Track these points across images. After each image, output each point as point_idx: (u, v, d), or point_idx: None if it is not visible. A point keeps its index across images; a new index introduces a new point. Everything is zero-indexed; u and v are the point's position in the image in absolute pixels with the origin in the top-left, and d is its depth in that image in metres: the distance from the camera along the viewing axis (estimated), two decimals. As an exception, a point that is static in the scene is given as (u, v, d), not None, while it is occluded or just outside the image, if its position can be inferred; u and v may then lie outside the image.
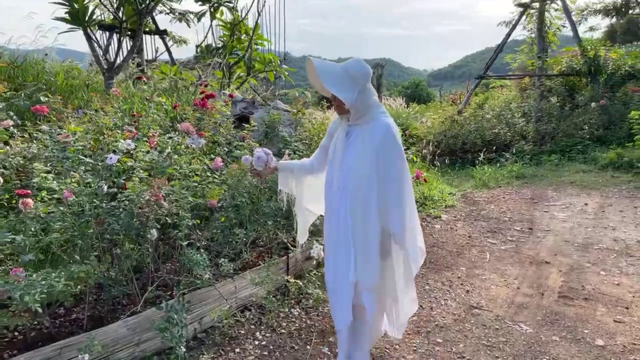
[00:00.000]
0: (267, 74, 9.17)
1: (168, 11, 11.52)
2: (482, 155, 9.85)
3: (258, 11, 8.51)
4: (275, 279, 3.51)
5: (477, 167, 9.53)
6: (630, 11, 20.14)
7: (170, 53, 12.35)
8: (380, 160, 2.30)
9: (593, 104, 10.54)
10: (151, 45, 13.34)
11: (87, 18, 5.97)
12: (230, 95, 3.99)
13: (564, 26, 12.47)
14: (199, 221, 3.05)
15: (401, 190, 2.31)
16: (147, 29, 12.03)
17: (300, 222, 2.87)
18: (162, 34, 12.24)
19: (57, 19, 5.90)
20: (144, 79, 7.57)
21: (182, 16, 11.36)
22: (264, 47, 9.39)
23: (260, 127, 5.08)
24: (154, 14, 12.00)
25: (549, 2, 12.38)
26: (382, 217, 2.32)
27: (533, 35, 15.23)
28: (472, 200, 7.41)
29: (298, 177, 2.77)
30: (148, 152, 3.27)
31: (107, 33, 10.30)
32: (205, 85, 4.01)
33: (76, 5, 5.90)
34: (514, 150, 10.03)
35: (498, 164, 9.66)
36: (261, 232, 3.57)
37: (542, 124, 10.72)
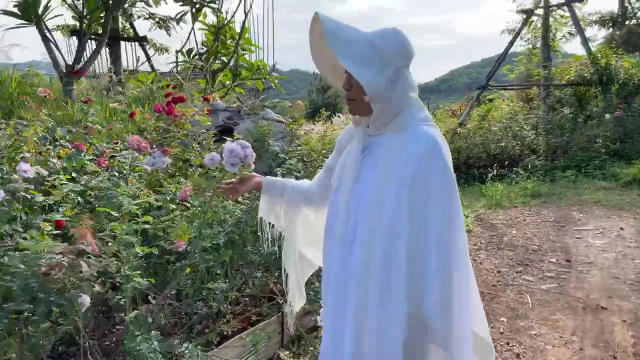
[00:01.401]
0: (255, 83, 8.26)
1: (147, 16, 10.65)
2: (493, 170, 8.99)
3: (245, 12, 7.63)
4: (264, 348, 2.56)
5: (486, 183, 8.66)
6: (627, 22, 19.70)
7: (150, 62, 11.41)
8: (416, 196, 1.36)
9: (607, 116, 9.78)
10: (132, 54, 12.39)
11: (39, 12, 5.01)
12: (206, 99, 3.07)
13: (571, 34, 11.78)
14: (153, 280, 2.08)
15: (449, 248, 1.36)
16: (125, 35, 11.14)
17: (293, 276, 1.91)
18: (142, 40, 11.32)
19: (3, 11, 4.94)
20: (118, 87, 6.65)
21: (163, 22, 10.49)
22: (252, 52, 8.49)
23: (247, 140, 4.13)
24: (132, 19, 11.12)
25: (554, 8, 11.69)
26: (412, 291, 1.35)
27: (531, 45, 14.60)
28: (489, 224, 6.51)
29: (290, 203, 1.83)
30: (79, 178, 2.32)
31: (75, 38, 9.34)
32: (174, 87, 3.06)
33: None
34: (528, 166, 9.18)
35: (509, 180, 8.80)
36: (248, 286, 2.62)
37: (553, 137, 9.92)
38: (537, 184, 8.43)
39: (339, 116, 12.35)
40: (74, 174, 2.71)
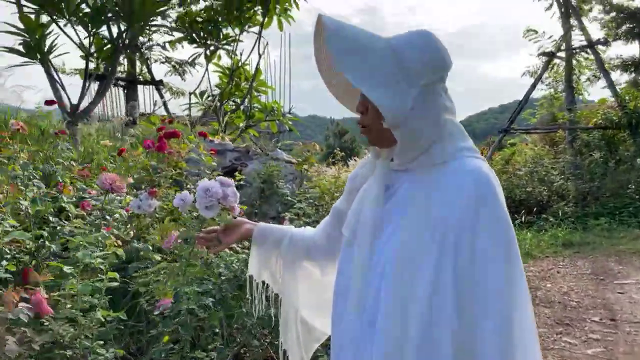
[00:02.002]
0: (269, 125, 8.02)
1: (163, 60, 10.65)
2: (521, 217, 8.47)
3: (259, 53, 7.47)
4: None
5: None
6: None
7: (166, 105, 11.34)
8: (464, 254, 1.01)
9: (639, 161, 9.27)
10: (149, 97, 12.42)
11: (45, 50, 4.84)
12: (202, 134, 2.74)
13: (596, 76, 11.45)
14: (122, 352, 1.67)
15: (511, 325, 0.99)
16: (141, 79, 11.13)
17: (295, 352, 1.49)
18: (158, 84, 11.31)
19: (8, 49, 4.78)
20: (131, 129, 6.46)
21: (179, 66, 10.47)
22: (266, 94, 8.31)
23: (254, 182, 3.78)
24: (149, 63, 11.15)
25: (577, 50, 11.42)
26: None
27: (552, 89, 14.28)
28: (519, 275, 5.95)
29: (289, 257, 1.44)
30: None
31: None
32: (170, 122, 2.75)
33: (36, 36, 4.80)
34: (558, 213, 8.64)
35: (538, 228, 8.25)
36: (245, 355, 2.19)
37: (582, 182, 9.40)
38: (568, 233, 7.86)
39: (354, 159, 12.00)
40: (52, 218, 2.37)
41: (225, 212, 1.37)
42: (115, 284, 1.60)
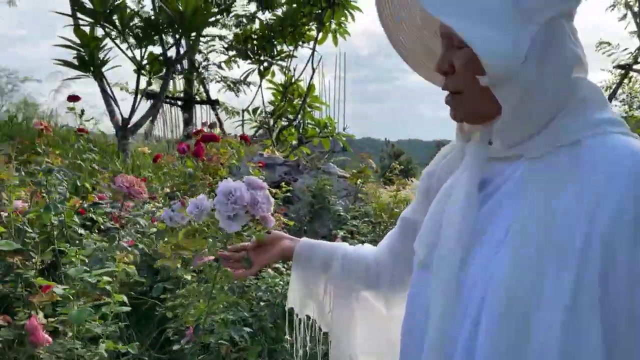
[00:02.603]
0: (321, 143, 7.74)
1: (219, 79, 10.71)
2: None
3: (313, 67, 7.25)
4: None
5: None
6: None
7: (221, 124, 11.38)
8: (620, 274, 0.61)
9: None
10: (207, 117, 12.56)
11: (98, 63, 4.80)
12: (244, 137, 2.45)
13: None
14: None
15: None
16: (198, 99, 11.25)
17: None
18: (213, 104, 11.38)
19: (62, 62, 4.77)
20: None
21: (234, 85, 10.48)
22: (320, 110, 8.06)
23: (304, 196, 3.45)
24: (206, 83, 11.26)
25: (659, 62, 10.48)
26: None
27: (626, 105, 13.23)
28: None
29: (343, 284, 1.08)
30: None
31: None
32: (211, 127, 2.47)
33: (90, 49, 4.77)
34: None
35: None
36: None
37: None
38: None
39: (411, 180, 11.49)
40: (80, 230, 2.13)
41: (258, 225, 1.03)
42: (126, 308, 1.29)
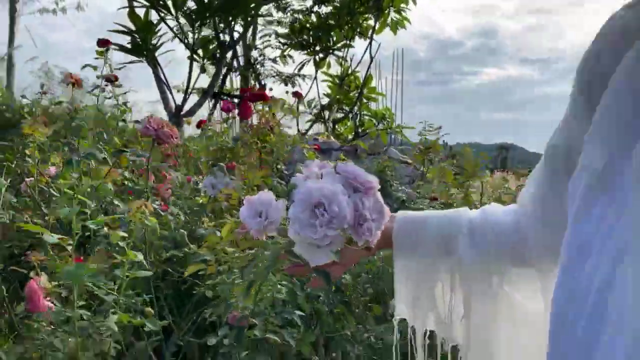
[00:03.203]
0: (379, 135, 7.37)
1: (274, 74, 10.59)
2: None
3: (371, 56, 6.91)
4: None
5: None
6: None
7: (274, 118, 11.28)
8: None
9: None
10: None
11: (152, 47, 4.69)
12: (298, 93, 2.14)
13: None
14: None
15: None
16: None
17: None
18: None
19: (118, 46, 4.69)
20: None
21: (289, 79, 10.32)
22: (376, 102, 7.70)
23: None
24: (261, 78, 11.18)
25: None
26: None
27: None
28: None
29: (478, 271, 0.71)
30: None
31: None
32: (261, 88, 2.20)
33: (143, 34, 4.67)
34: None
35: None
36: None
37: None
38: None
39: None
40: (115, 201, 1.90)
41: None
42: (147, 273, 1.01)
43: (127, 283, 0.98)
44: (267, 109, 1.90)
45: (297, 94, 2.23)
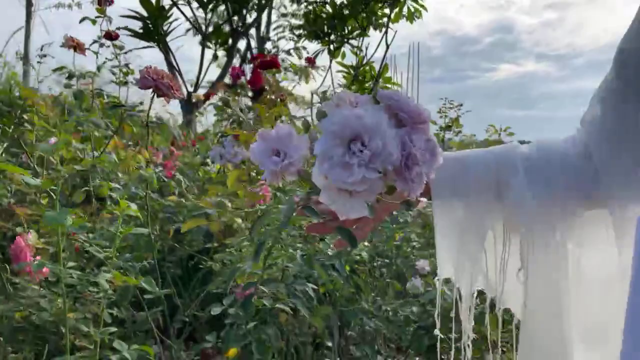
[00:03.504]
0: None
1: (288, 66, 10.51)
2: None
3: (387, 44, 6.75)
4: None
5: None
6: None
7: (286, 107, 11.19)
8: None
9: None
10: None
11: (163, 33, 4.63)
12: (311, 61, 2.01)
13: None
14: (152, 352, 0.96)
15: None
16: (267, 87, 11.12)
17: None
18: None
19: (131, 32, 4.63)
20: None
21: (302, 71, 10.23)
22: (392, 91, 7.56)
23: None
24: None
25: None
26: None
27: None
28: None
29: (538, 214, 0.59)
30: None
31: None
32: (274, 57, 2.09)
33: (155, 19, 4.60)
34: None
35: None
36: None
37: None
38: None
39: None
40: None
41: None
42: (144, 230, 0.91)
43: (126, 248, 0.89)
44: (277, 77, 1.80)
45: (309, 60, 2.12)
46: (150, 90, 1.11)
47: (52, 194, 0.77)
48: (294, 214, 0.61)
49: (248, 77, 1.85)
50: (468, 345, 0.66)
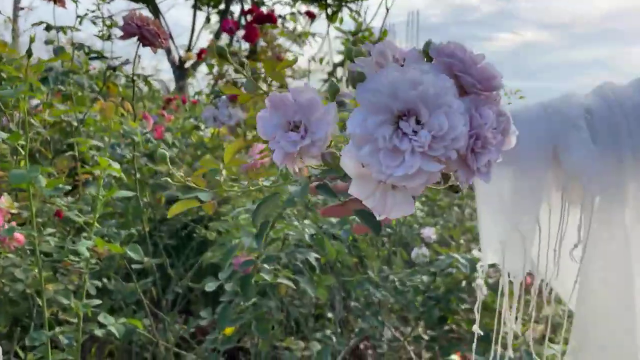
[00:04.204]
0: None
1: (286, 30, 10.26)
2: None
3: (387, 7, 6.54)
4: None
5: None
6: None
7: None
8: None
9: None
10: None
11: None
12: (310, 15, 1.75)
13: None
14: (141, 326, 0.88)
15: None
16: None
17: None
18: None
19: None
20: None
21: (299, 38, 9.99)
22: (391, 58, 7.39)
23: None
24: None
25: None
26: None
27: None
28: None
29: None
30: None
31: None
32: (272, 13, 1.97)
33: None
34: None
35: None
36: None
37: None
38: None
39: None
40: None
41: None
42: (128, 193, 0.82)
43: (114, 215, 0.80)
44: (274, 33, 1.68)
45: (309, 14, 1.99)
46: (135, 39, 1.00)
47: (20, 149, 0.67)
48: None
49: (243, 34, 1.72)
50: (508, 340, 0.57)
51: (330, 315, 1.41)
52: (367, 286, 1.08)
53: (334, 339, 1.23)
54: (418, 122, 0.31)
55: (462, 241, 1.58)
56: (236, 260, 1.16)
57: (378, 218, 0.36)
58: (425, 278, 1.09)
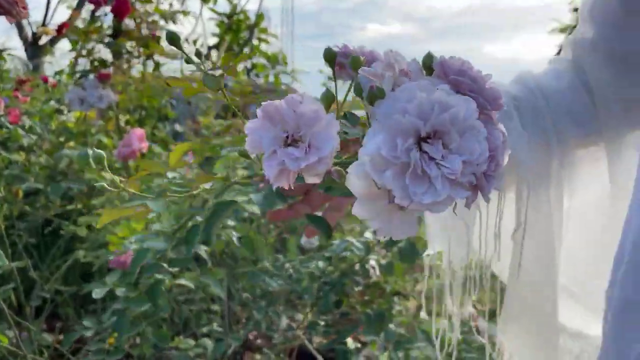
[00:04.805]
0: (274, 79, 7.05)
1: (152, 12, 9.62)
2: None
3: (262, -8, 6.45)
4: None
5: None
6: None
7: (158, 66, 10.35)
8: None
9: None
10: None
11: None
12: None
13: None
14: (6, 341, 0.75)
15: None
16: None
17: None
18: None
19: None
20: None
21: (171, 16, 9.45)
22: (268, 43, 7.32)
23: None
24: (136, 18, 10.13)
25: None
26: None
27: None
28: None
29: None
30: None
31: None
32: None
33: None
34: None
35: None
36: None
37: None
38: None
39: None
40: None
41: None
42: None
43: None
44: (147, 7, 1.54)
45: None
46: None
47: None
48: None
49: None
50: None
51: (216, 308, 1.35)
52: (262, 276, 1.04)
53: (226, 332, 1.18)
54: (443, 144, 0.29)
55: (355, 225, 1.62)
56: (117, 260, 1.05)
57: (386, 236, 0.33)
58: (320, 264, 1.09)
